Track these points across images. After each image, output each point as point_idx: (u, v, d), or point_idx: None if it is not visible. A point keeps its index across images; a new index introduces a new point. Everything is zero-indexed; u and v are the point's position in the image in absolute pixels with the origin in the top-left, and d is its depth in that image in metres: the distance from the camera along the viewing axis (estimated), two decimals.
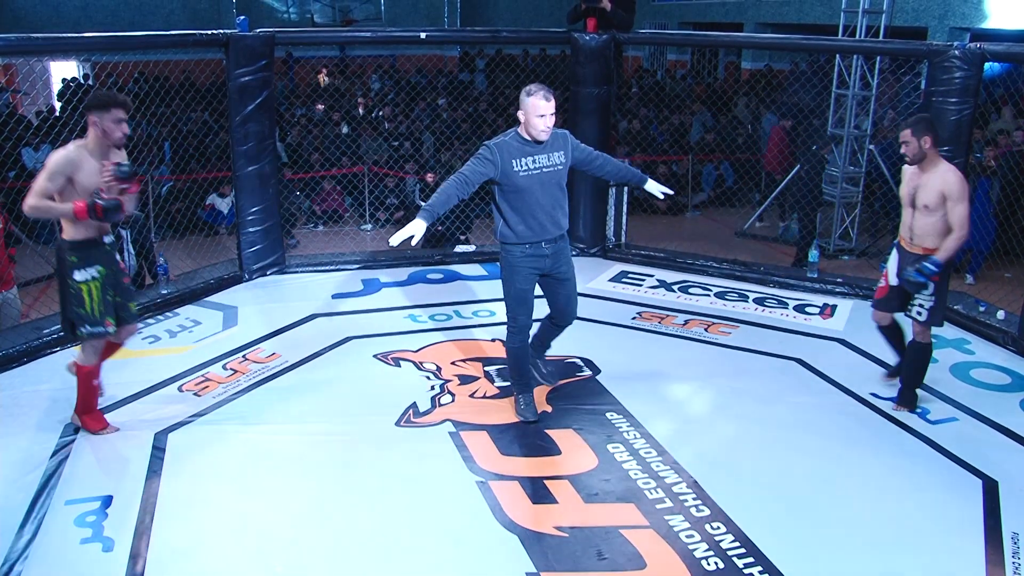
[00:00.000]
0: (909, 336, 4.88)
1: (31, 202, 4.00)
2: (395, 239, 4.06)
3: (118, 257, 4.42)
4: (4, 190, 8.41)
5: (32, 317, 6.09)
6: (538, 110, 4.17)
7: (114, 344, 4.53)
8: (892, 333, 5.00)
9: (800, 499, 3.94)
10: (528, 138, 4.26)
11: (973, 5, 11.89)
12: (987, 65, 5.88)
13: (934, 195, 4.48)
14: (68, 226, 4.18)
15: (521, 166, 4.24)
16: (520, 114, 4.23)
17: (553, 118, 4.23)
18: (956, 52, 5.85)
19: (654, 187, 4.66)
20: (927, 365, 4.81)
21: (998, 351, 5.62)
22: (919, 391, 4.87)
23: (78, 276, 4.19)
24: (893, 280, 4.79)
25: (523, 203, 4.29)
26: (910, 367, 4.82)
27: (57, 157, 4.04)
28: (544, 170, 4.28)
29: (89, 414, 4.46)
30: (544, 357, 4.88)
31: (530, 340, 4.65)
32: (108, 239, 4.31)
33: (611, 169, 4.63)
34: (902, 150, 4.57)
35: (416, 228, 4.06)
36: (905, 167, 4.69)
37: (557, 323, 4.68)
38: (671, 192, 4.77)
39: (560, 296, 4.55)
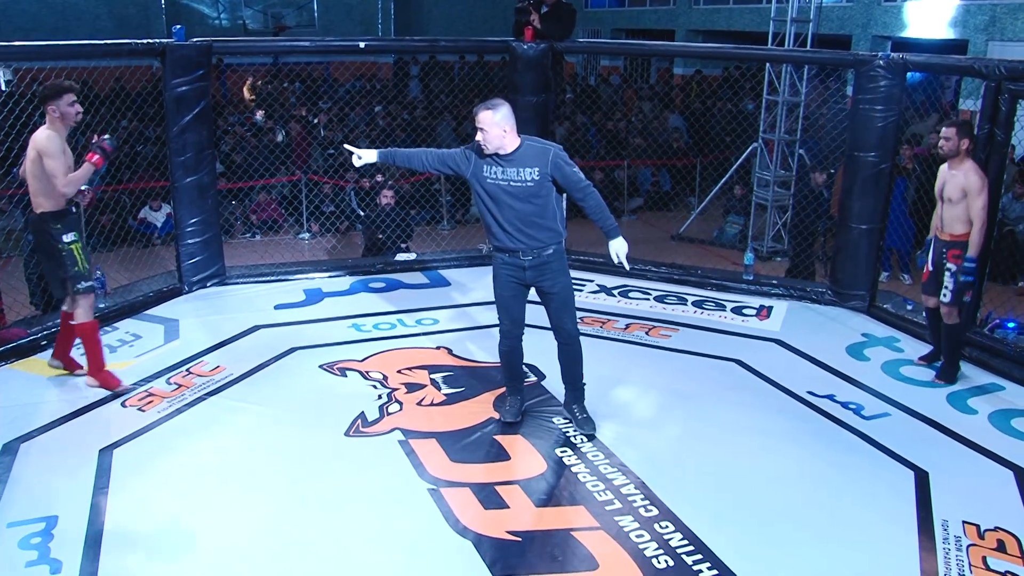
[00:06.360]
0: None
1: (64, 182, 4.54)
2: (355, 159, 4.51)
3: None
4: None
5: None
6: (476, 123, 4.15)
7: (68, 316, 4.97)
8: (936, 316, 5.42)
9: (744, 496, 4.07)
10: None
11: (893, 15, 12.34)
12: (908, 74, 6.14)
13: (957, 190, 5.02)
14: (45, 200, 4.64)
15: (489, 173, 4.23)
16: None
17: (492, 131, 4.10)
18: (880, 62, 6.09)
19: (614, 248, 4.43)
20: (958, 342, 5.39)
21: (926, 348, 5.81)
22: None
23: (66, 239, 4.70)
24: (931, 266, 5.31)
25: (494, 211, 4.27)
26: (945, 347, 5.39)
27: (49, 138, 4.54)
28: (512, 183, 4.20)
29: (103, 371, 4.92)
30: (580, 399, 4.70)
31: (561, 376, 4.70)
32: (75, 209, 4.81)
33: (589, 205, 4.33)
34: (940, 143, 5.09)
35: (367, 155, 4.50)
36: (942, 167, 5.18)
37: (557, 340, 4.60)
38: (626, 267, 4.58)
39: (549, 310, 4.55)
